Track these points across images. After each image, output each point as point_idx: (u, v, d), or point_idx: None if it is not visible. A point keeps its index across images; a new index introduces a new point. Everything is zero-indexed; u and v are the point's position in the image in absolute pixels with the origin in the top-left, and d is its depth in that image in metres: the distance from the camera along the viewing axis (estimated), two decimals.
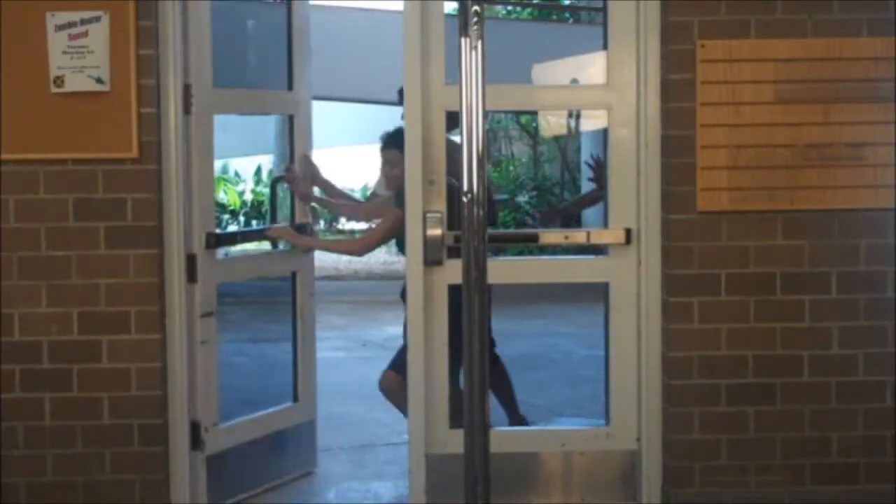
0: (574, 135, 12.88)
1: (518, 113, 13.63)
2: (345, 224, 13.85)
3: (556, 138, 13.74)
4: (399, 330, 4.67)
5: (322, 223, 5.00)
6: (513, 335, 7.70)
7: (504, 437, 4.17)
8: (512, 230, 11.71)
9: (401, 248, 4.29)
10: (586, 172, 5.44)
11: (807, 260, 3.90)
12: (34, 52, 3.78)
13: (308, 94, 4.74)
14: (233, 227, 13.30)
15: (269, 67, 4.84)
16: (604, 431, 4.15)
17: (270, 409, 4.56)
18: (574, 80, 4.81)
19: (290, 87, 4.65)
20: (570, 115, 5.20)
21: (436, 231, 3.98)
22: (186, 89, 3.99)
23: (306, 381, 4.73)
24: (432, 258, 3.99)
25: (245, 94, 4.53)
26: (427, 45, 3.99)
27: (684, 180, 3.89)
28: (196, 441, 4.07)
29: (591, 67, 4.34)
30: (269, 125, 11.33)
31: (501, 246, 4.89)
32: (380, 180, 5.27)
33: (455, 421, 4.01)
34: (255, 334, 6.36)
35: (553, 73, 5.43)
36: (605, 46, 4.08)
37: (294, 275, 4.68)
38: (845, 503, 3.91)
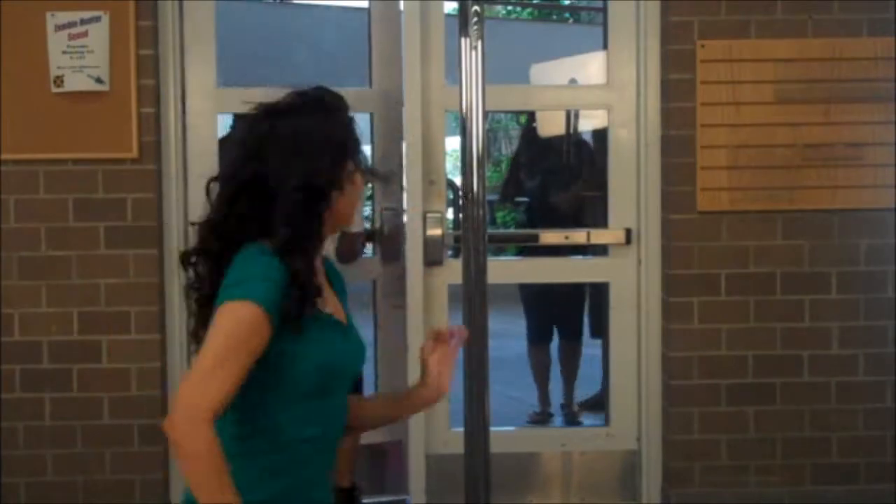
0: (574, 135, 12.87)
1: (518, 113, 13.63)
2: None
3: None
4: None
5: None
6: (513, 335, 7.69)
7: (504, 437, 4.17)
8: (512, 230, 11.71)
9: None
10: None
11: (807, 260, 3.89)
12: (34, 52, 3.78)
13: (395, 91, 4.22)
14: None
15: (346, 66, 4.59)
16: (604, 431, 4.15)
17: None
18: (573, 80, 4.81)
19: (370, 84, 4.31)
20: (569, 115, 5.24)
21: (436, 231, 3.98)
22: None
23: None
24: (432, 258, 3.99)
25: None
26: (427, 45, 3.99)
27: (684, 180, 3.88)
28: None
29: (590, 67, 4.34)
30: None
31: (501, 246, 4.89)
32: None
33: None
34: None
35: (551, 73, 5.43)
36: (604, 46, 4.08)
37: (374, 283, 4.28)
38: (845, 503, 3.91)
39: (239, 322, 1.86)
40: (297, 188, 1.95)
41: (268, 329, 1.88)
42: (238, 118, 3.86)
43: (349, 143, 2.03)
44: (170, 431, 1.80)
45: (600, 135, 4.94)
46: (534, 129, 5.85)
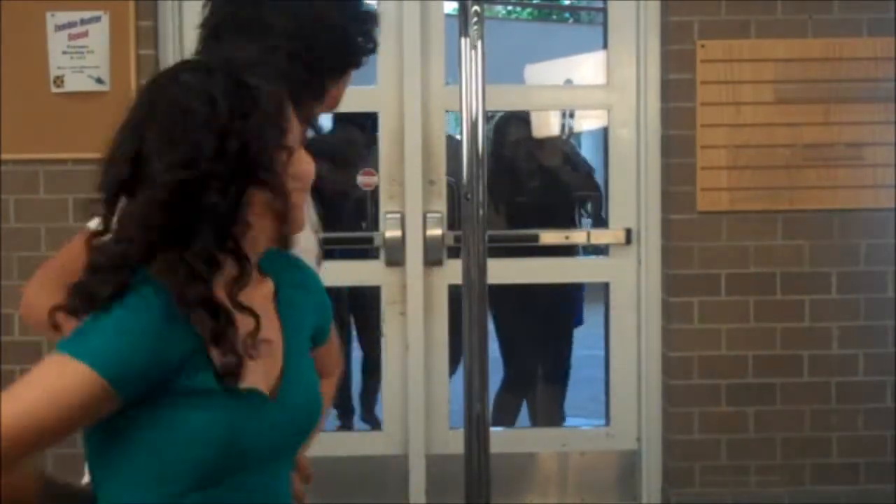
0: (573, 134, 12.87)
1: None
2: None
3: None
4: None
5: None
6: None
7: (504, 437, 4.17)
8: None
9: None
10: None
11: (807, 260, 3.89)
12: (34, 52, 3.78)
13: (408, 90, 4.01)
14: None
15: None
16: (604, 431, 4.15)
17: None
18: (568, 81, 4.79)
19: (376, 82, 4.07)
20: (570, 115, 5.18)
21: (436, 231, 3.98)
22: None
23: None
24: (432, 258, 3.99)
25: None
26: (427, 45, 3.98)
27: (684, 180, 3.88)
28: None
29: (586, 68, 4.33)
30: None
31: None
32: None
33: None
34: None
35: (547, 74, 5.42)
36: (605, 46, 4.08)
37: (379, 290, 4.09)
38: (845, 503, 3.91)
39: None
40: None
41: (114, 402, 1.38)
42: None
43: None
44: None
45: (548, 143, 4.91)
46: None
